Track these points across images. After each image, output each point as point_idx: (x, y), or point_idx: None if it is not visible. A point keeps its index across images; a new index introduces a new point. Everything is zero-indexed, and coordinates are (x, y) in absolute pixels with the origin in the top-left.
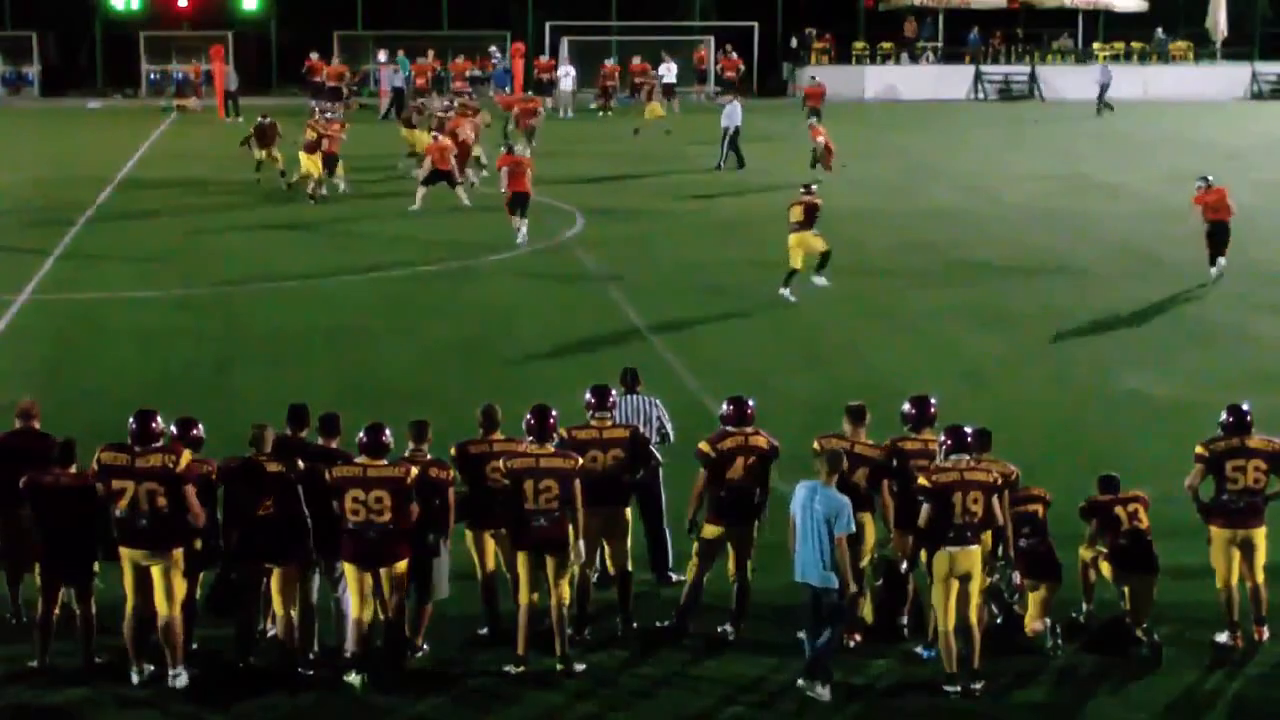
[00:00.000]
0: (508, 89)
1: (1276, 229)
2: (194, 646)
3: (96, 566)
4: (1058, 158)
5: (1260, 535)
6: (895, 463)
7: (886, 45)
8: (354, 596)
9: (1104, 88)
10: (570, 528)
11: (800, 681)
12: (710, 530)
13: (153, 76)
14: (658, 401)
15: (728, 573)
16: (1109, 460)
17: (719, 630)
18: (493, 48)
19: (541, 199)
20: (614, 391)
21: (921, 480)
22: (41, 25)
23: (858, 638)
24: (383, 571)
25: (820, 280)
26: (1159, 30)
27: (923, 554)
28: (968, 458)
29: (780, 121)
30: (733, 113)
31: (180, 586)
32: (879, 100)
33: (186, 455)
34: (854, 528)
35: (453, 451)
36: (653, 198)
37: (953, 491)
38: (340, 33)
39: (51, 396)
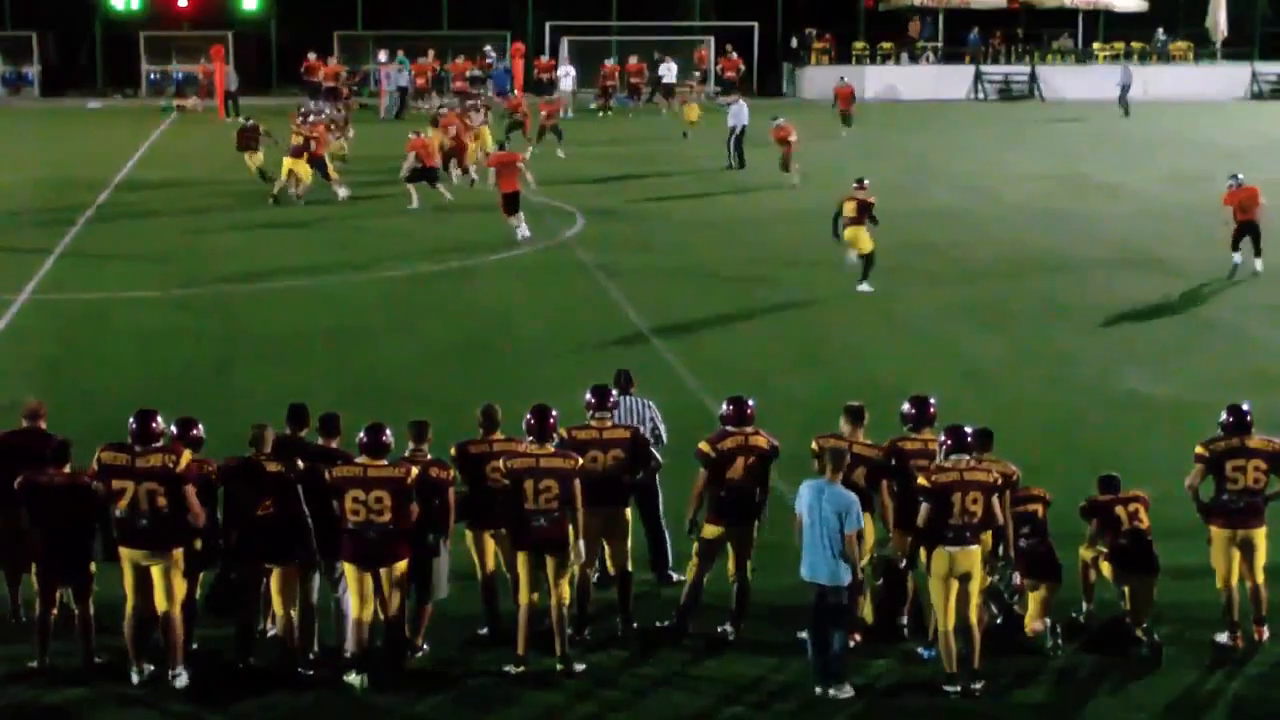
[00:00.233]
0: (508, 88)
1: (1277, 229)
2: (194, 646)
3: (94, 566)
4: (1058, 158)
5: (1260, 535)
6: (895, 462)
7: (886, 45)
8: (354, 596)
9: (1125, 88)
10: (570, 528)
11: (818, 690)
12: (710, 530)
13: (153, 76)
14: (651, 403)
15: (728, 573)
16: (1109, 460)
17: (719, 630)
18: (487, 47)
19: (542, 199)
20: (614, 392)
21: (921, 480)
22: (41, 25)
23: (858, 637)
24: (383, 571)
25: (863, 287)
26: (1159, 30)
27: (922, 553)
28: (968, 458)
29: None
30: (739, 113)
31: (180, 586)
32: (879, 100)
33: (187, 455)
34: (863, 524)
35: (453, 451)
36: (653, 198)
37: (952, 492)
38: (340, 33)
39: (51, 396)
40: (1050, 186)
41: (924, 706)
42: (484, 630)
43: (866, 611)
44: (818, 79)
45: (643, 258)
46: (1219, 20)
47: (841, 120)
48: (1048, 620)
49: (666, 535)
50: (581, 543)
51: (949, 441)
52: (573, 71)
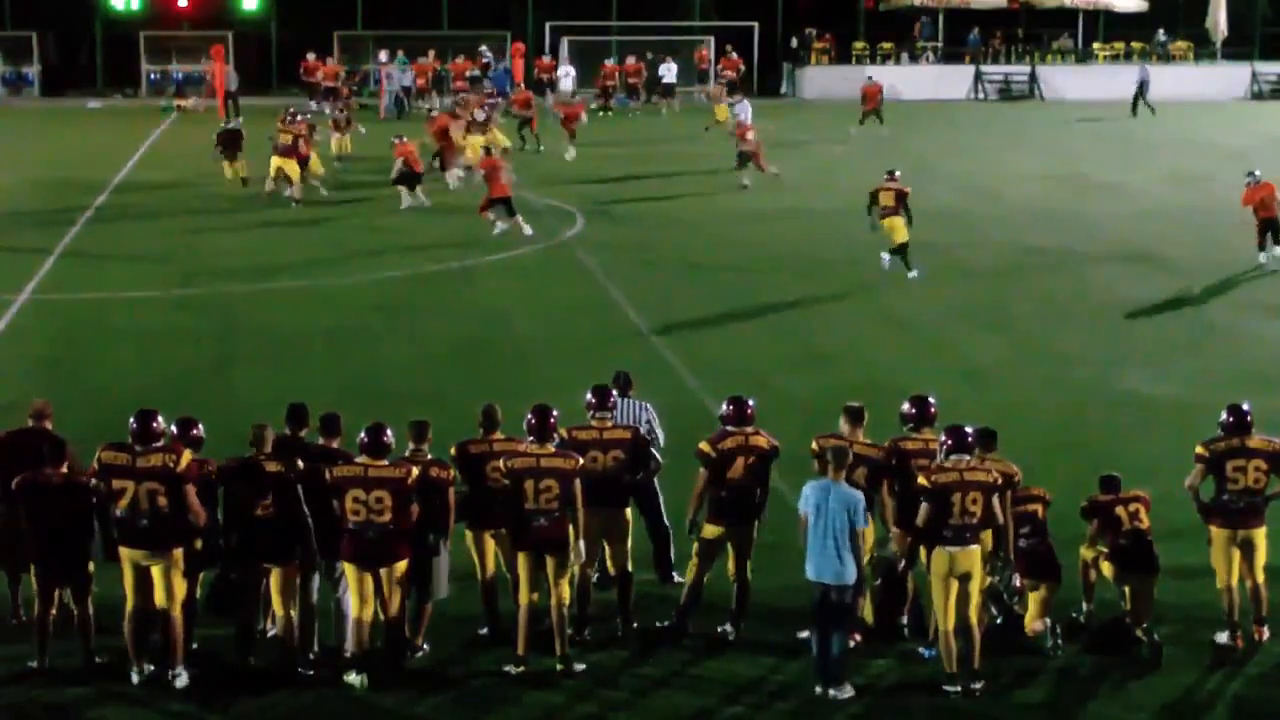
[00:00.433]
0: (508, 88)
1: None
2: (194, 646)
3: (92, 566)
4: (1058, 158)
5: (1260, 535)
6: (895, 462)
7: (886, 45)
8: (354, 596)
9: (1144, 84)
10: (570, 528)
11: (818, 690)
12: (710, 530)
13: (153, 76)
14: (648, 406)
15: (728, 573)
16: (1109, 460)
17: (719, 630)
18: (483, 47)
19: (542, 199)
20: (615, 392)
21: (921, 480)
22: (41, 25)
23: (858, 637)
24: (383, 571)
25: (913, 273)
26: (1159, 30)
27: (922, 553)
28: (968, 458)
29: (780, 122)
30: (743, 112)
31: (180, 586)
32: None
33: (187, 455)
34: (869, 522)
35: (453, 451)
36: (653, 198)
37: (952, 492)
38: (340, 33)
39: (51, 396)
40: (1050, 186)
41: (924, 706)
42: (484, 630)
43: (866, 612)
44: (818, 79)
45: (643, 258)
46: (1219, 20)
47: (873, 118)
48: (1048, 620)
49: (670, 535)
50: (582, 543)
51: (949, 441)
52: (573, 71)
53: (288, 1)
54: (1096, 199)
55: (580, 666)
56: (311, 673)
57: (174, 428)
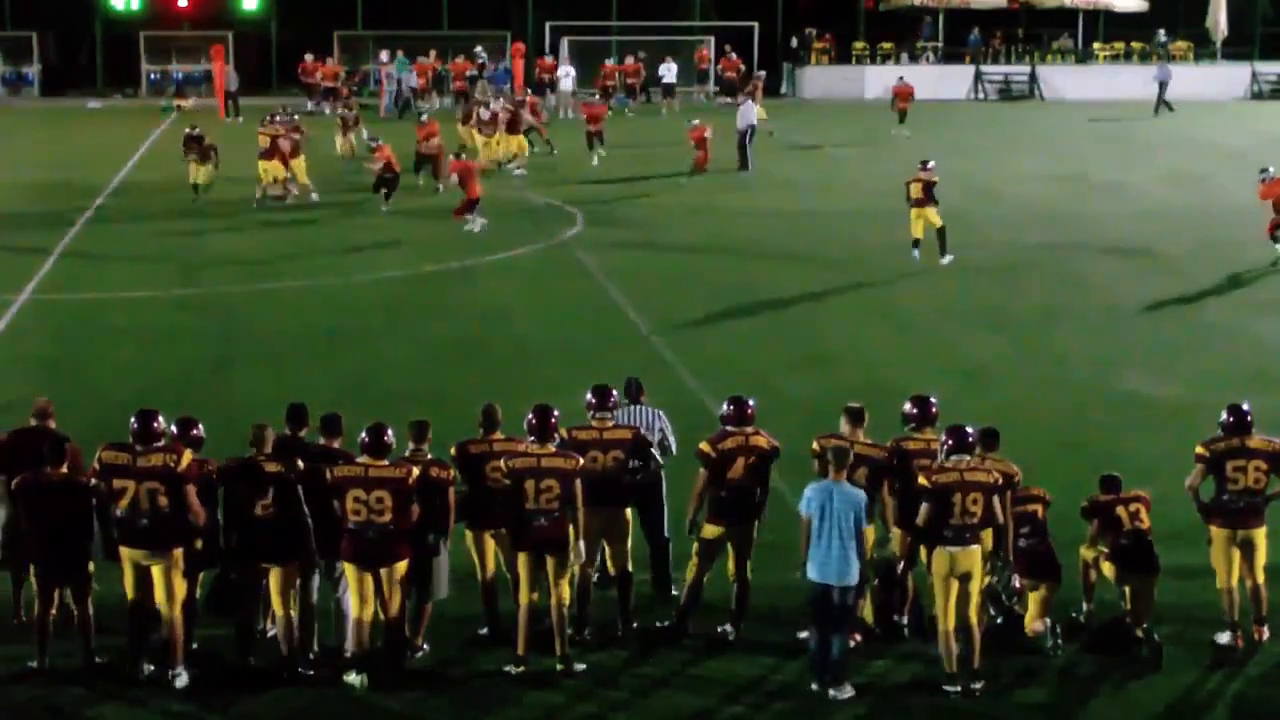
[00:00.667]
0: (508, 88)
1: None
2: (194, 646)
3: (92, 566)
4: (1058, 158)
5: (1260, 535)
6: (897, 462)
7: (886, 45)
8: (354, 596)
9: (1163, 85)
10: (570, 527)
11: (814, 686)
12: (710, 530)
13: (153, 76)
14: (661, 413)
15: (728, 573)
16: (1109, 460)
17: (719, 630)
18: (478, 48)
19: (542, 199)
20: (615, 392)
21: (921, 480)
22: (41, 25)
23: (857, 637)
24: (383, 571)
25: (947, 259)
26: (1159, 30)
27: (923, 553)
28: (969, 458)
29: (780, 122)
30: (747, 113)
31: (180, 586)
32: (879, 100)
33: (188, 455)
34: (869, 522)
35: (453, 451)
36: (653, 198)
37: (952, 492)
38: (340, 33)
39: (51, 396)
40: (1050, 186)
41: (924, 706)
42: (484, 630)
43: (867, 612)
44: (818, 79)
45: (643, 258)
46: (1219, 20)
47: (901, 118)
48: (1048, 620)
49: (669, 547)
50: (582, 543)
51: (950, 442)
52: (573, 71)
53: (288, 1)
54: (1096, 199)
55: (580, 666)
56: (311, 673)
57: (174, 428)
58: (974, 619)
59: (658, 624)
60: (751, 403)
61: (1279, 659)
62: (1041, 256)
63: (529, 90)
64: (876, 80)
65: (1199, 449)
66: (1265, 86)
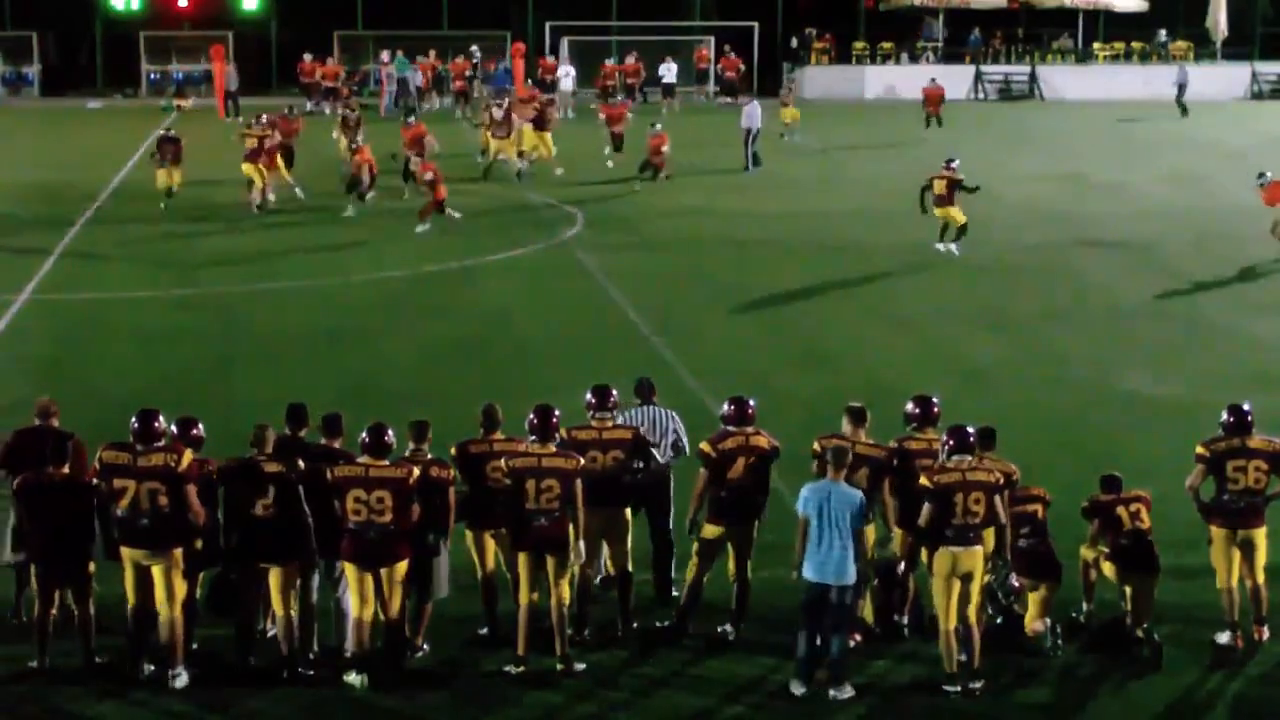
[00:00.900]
0: (508, 89)
1: None
2: (194, 646)
3: (92, 566)
4: (1058, 158)
5: (1260, 535)
6: (899, 463)
7: (887, 45)
8: (354, 596)
9: (1182, 87)
10: (570, 527)
11: (797, 690)
12: (711, 530)
13: (153, 76)
14: (675, 414)
15: (728, 573)
16: (1109, 460)
17: (719, 630)
18: (474, 48)
19: (542, 199)
20: (615, 392)
21: (923, 480)
22: (41, 25)
23: (857, 637)
24: (383, 571)
25: (953, 248)
26: (1160, 30)
27: (923, 553)
28: (970, 458)
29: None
30: (752, 113)
31: (180, 586)
32: (879, 100)
33: (188, 455)
34: (869, 522)
35: (453, 451)
36: (653, 198)
37: (954, 492)
38: (340, 33)
39: (52, 396)
40: (1050, 186)
41: (924, 706)
42: (484, 630)
43: (866, 612)
44: (818, 79)
45: (643, 258)
46: (1219, 20)
47: (927, 122)
48: (1048, 620)
49: (673, 548)
50: (582, 543)
51: (951, 442)
52: (573, 71)
53: (288, 1)
54: (1096, 199)
55: (580, 666)
56: (311, 673)
57: (174, 427)
58: (974, 619)
59: (658, 624)
60: (752, 403)
61: (1279, 659)
62: (1041, 256)
63: (536, 89)
64: (876, 80)
65: (1199, 449)
66: (1265, 86)
